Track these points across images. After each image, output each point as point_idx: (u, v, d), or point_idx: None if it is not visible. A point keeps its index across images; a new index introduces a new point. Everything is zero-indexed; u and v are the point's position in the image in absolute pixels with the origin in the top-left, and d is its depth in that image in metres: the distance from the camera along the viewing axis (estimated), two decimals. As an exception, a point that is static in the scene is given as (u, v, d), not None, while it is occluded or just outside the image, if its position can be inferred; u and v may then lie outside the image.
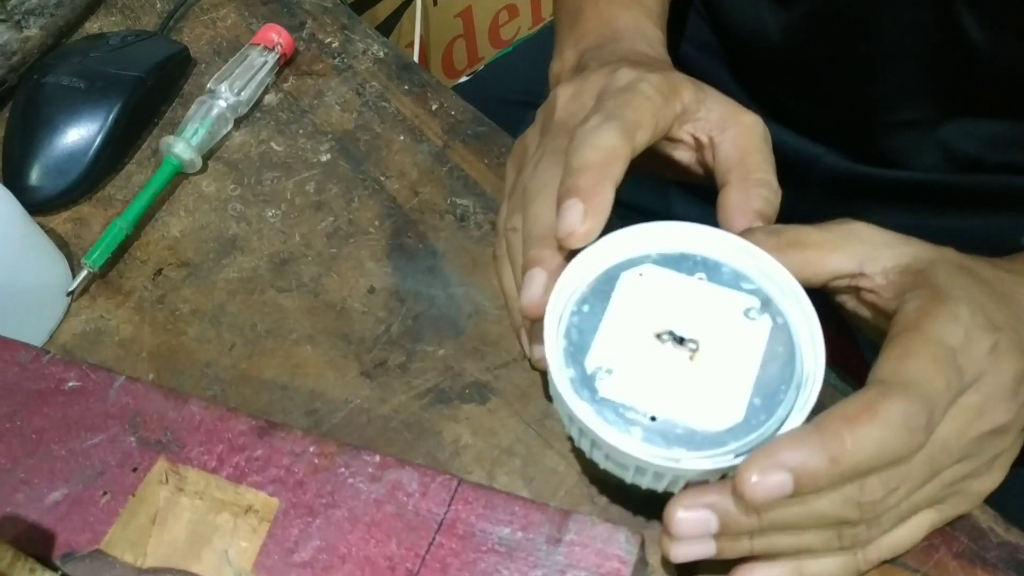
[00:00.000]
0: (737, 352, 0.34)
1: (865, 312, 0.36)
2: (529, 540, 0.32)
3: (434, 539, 0.33)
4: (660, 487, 0.33)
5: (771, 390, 0.33)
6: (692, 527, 0.32)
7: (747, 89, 0.60)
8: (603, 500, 0.39)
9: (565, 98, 0.42)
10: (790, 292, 0.34)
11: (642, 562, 0.33)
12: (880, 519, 0.32)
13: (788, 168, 0.58)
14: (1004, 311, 0.33)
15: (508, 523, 0.33)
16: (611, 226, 0.36)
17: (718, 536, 0.32)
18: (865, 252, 0.35)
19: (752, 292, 0.35)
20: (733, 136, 0.38)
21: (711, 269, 0.36)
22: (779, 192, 0.38)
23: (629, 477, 0.33)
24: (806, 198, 0.58)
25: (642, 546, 0.32)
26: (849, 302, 0.36)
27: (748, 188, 0.37)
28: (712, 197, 0.38)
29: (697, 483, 0.32)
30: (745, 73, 0.60)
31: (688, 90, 0.39)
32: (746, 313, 0.34)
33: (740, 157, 0.38)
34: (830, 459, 0.29)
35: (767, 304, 0.35)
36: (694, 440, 0.32)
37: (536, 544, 0.32)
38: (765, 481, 0.29)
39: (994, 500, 0.36)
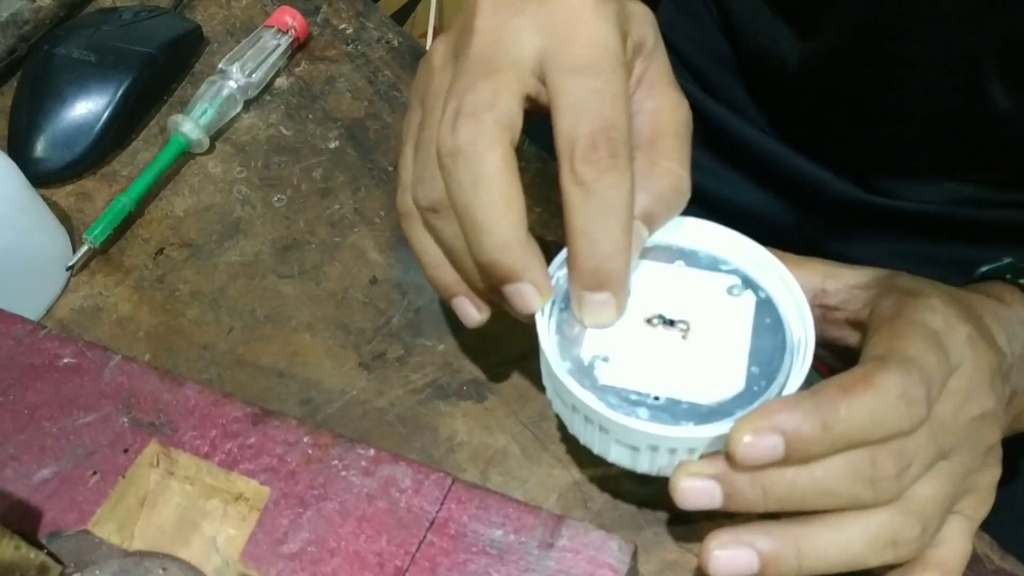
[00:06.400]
0: (727, 327, 0.34)
1: (833, 332, 0.37)
2: (521, 544, 0.32)
3: (425, 537, 0.32)
4: (673, 466, 0.33)
5: (766, 358, 0.34)
6: (695, 497, 0.31)
7: (760, 108, 0.59)
8: (597, 505, 0.38)
9: (487, 9, 0.32)
10: (768, 267, 0.35)
11: (634, 571, 0.32)
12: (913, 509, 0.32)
13: (797, 190, 0.58)
14: (966, 312, 0.35)
15: (501, 525, 0.32)
16: None
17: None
18: (827, 270, 0.37)
19: (731, 272, 0.36)
20: (652, 109, 0.34)
21: (688, 256, 0.36)
22: (684, 183, 0.34)
23: (641, 461, 0.33)
24: (814, 220, 0.58)
25: (634, 555, 0.32)
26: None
27: (652, 177, 0.34)
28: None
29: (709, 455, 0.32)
30: (759, 93, 0.59)
31: (649, 29, 0.35)
32: (729, 291, 0.35)
33: (653, 137, 0.34)
34: (823, 425, 0.29)
35: (748, 281, 0.36)
36: (700, 413, 0.32)
37: (528, 548, 0.32)
38: (757, 443, 0.30)
39: (989, 526, 0.36)
